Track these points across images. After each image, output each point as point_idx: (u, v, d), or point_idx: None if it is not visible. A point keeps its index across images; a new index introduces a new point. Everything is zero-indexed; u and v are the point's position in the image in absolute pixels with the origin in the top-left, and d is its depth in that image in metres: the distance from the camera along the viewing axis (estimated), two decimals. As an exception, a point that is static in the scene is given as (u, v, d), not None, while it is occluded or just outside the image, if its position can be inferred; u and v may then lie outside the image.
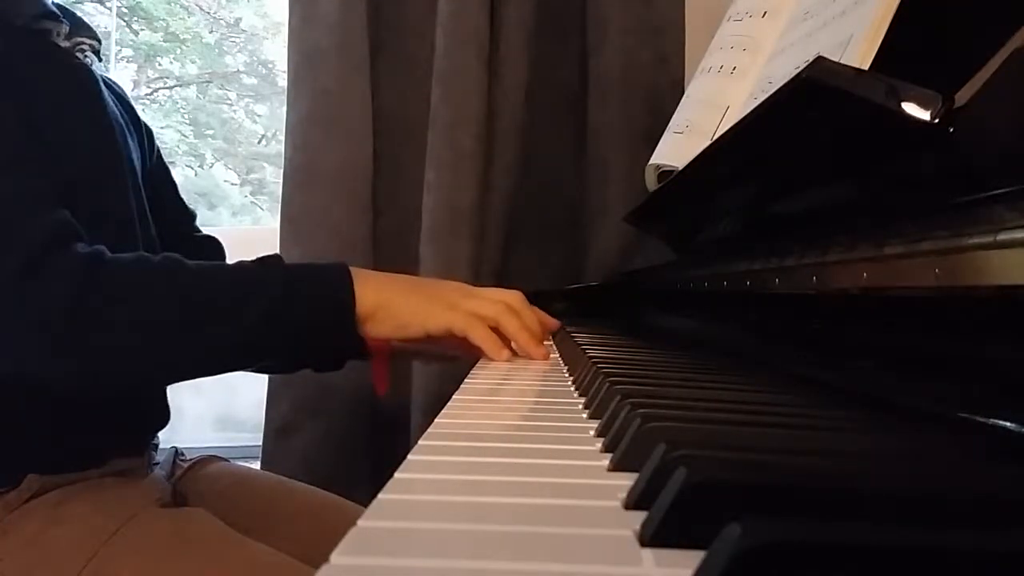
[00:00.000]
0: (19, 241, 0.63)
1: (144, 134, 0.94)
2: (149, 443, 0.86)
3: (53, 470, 0.72)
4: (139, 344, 0.65)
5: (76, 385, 0.68)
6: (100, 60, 0.87)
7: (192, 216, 1.04)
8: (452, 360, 0.93)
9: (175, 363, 0.69)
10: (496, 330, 0.72)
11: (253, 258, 0.73)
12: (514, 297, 0.75)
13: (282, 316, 0.68)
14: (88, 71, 0.82)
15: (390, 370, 0.93)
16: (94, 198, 0.75)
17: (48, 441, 0.73)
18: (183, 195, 1.04)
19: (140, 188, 0.86)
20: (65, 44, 0.81)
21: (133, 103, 0.95)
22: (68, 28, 0.81)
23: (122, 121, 0.87)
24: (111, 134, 0.82)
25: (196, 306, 0.66)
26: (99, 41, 0.86)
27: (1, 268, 0.62)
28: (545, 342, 0.91)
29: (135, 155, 0.88)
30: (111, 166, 0.81)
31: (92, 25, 0.88)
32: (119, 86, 0.94)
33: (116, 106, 0.87)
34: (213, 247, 1.03)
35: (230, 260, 0.77)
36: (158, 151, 0.98)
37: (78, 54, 0.82)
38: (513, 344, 0.73)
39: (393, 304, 0.71)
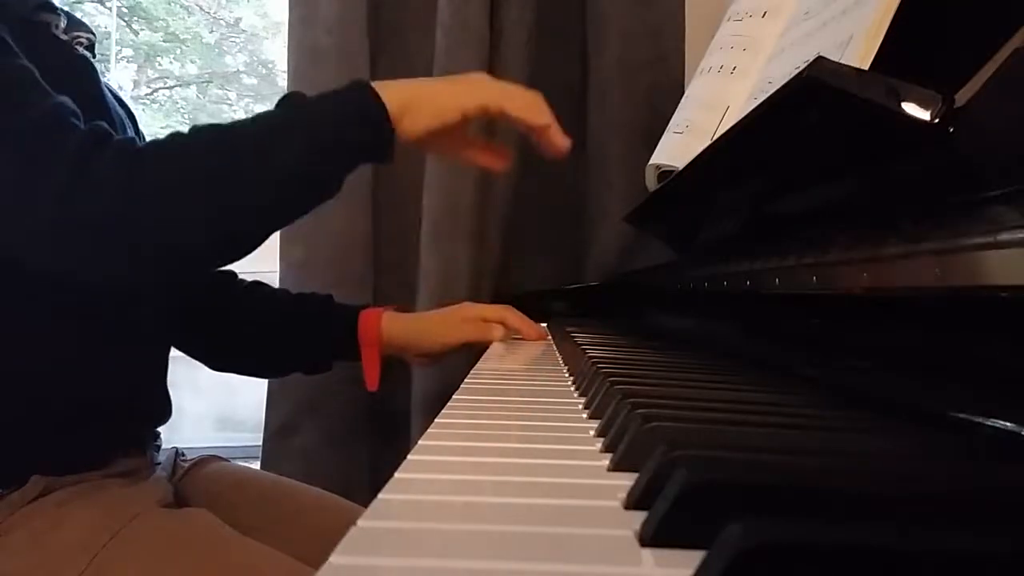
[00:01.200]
0: (65, 145, 0.63)
1: (139, 136, 0.94)
2: (152, 441, 0.86)
3: (57, 471, 0.72)
4: (196, 197, 0.65)
5: (137, 265, 0.67)
6: (94, 56, 0.86)
7: None
8: (439, 361, 0.99)
9: (239, 206, 0.68)
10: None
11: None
12: (534, 95, 0.75)
13: (323, 141, 0.68)
14: (89, 64, 0.82)
15: (380, 366, 0.95)
16: None
17: (52, 442, 0.73)
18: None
19: None
20: (64, 37, 0.81)
21: (130, 107, 0.95)
22: (66, 21, 0.81)
23: (122, 119, 0.87)
24: (115, 127, 0.82)
25: (242, 154, 0.66)
26: (94, 35, 0.86)
27: (53, 171, 0.62)
28: (545, 340, 0.92)
29: None
30: None
31: (92, 25, 0.88)
32: (115, 88, 0.94)
33: (115, 103, 0.87)
34: None
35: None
36: None
37: (76, 47, 0.82)
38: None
39: (423, 95, 0.71)
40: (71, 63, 0.80)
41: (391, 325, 0.96)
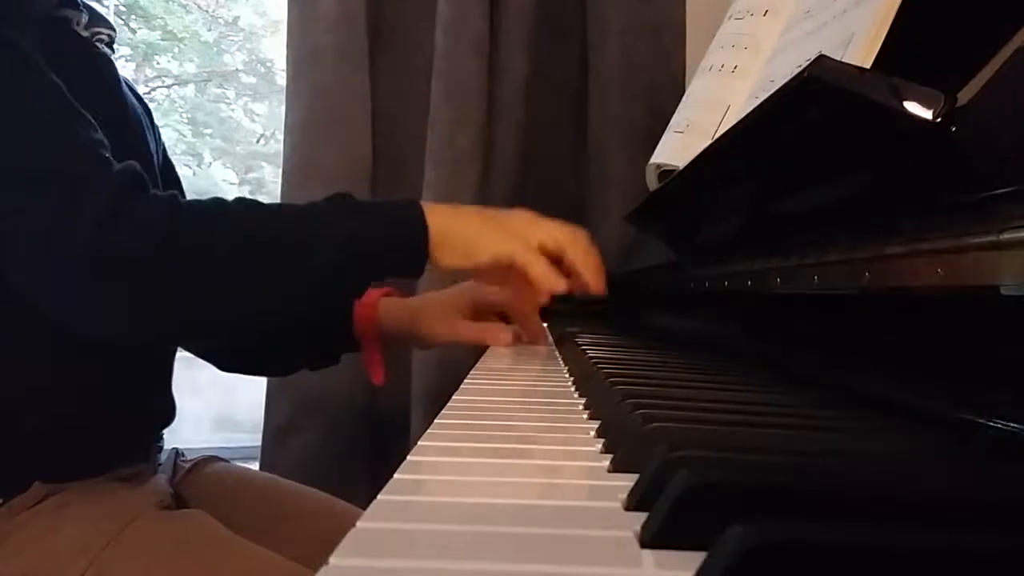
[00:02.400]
0: (99, 187, 0.62)
1: (156, 130, 0.93)
2: (155, 445, 0.86)
3: (60, 478, 0.71)
4: (225, 287, 0.65)
5: (166, 332, 0.67)
6: (113, 52, 0.85)
7: None
8: (448, 343, 0.96)
9: (261, 303, 0.68)
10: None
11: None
12: (581, 233, 0.77)
13: (360, 250, 0.68)
14: (109, 62, 0.81)
15: (383, 359, 0.93)
16: None
17: (56, 450, 0.73)
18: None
19: (159, 183, 0.86)
20: (84, 34, 0.80)
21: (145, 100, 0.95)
22: (87, 18, 0.80)
23: (140, 115, 0.86)
24: (134, 126, 0.82)
25: (279, 246, 0.66)
26: (114, 31, 0.85)
27: (84, 215, 0.60)
28: (548, 344, 0.91)
29: (153, 148, 0.87)
30: (135, 159, 0.81)
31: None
32: (131, 81, 0.93)
33: (133, 100, 0.86)
34: None
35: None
36: (164, 149, 0.98)
37: (97, 44, 0.81)
38: (573, 276, 0.75)
39: (462, 232, 0.72)
40: (91, 62, 0.79)
41: (387, 317, 0.93)
